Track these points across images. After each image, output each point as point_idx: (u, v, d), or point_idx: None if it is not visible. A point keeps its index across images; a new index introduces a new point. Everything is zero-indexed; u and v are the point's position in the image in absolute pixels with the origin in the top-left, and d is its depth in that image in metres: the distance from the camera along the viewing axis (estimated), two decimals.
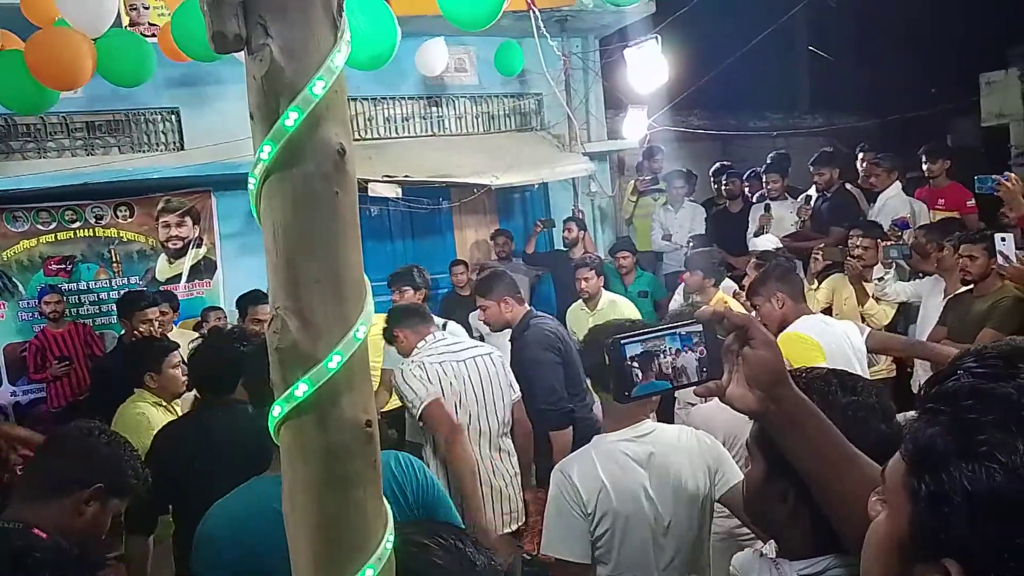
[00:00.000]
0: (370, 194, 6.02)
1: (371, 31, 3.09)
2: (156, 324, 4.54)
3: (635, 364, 1.04)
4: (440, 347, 3.23)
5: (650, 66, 5.92)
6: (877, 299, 4.58)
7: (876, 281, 4.61)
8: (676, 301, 5.09)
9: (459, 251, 7.26)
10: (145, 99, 6.21)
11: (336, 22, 0.76)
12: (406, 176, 6.06)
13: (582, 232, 6.53)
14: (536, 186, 6.80)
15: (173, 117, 6.38)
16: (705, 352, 1.05)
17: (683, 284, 5.00)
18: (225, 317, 5.76)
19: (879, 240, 4.72)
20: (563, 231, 6.50)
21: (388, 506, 0.81)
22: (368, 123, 6.91)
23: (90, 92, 5.97)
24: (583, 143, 7.17)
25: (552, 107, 7.31)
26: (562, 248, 6.76)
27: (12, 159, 6.00)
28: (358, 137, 6.88)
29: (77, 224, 6.19)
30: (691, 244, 5.89)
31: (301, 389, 0.74)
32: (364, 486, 0.77)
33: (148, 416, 3.21)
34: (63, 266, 6.17)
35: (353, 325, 0.76)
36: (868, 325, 4.01)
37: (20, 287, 6.05)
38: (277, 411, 0.76)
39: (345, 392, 0.75)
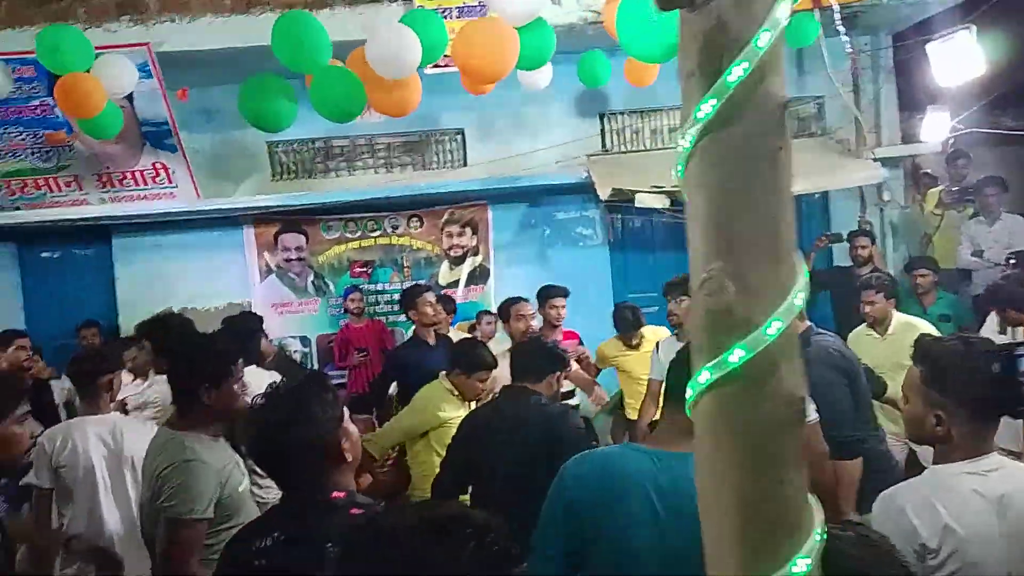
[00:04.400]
0: (637, 205, 6.03)
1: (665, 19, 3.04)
2: (431, 311, 4.88)
3: None
4: None
5: (960, 60, 5.20)
6: None
7: None
8: (989, 330, 4.36)
9: None
10: (436, 122, 6.86)
11: None
12: (674, 186, 5.95)
13: (872, 246, 5.90)
14: (817, 195, 6.30)
15: (459, 137, 6.95)
16: None
17: (992, 313, 4.27)
18: (495, 321, 6.10)
19: None
20: (852, 246, 5.90)
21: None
22: (635, 135, 6.95)
23: (391, 117, 6.76)
24: (872, 148, 6.50)
25: (834, 110, 6.76)
26: (844, 265, 6.17)
27: (328, 177, 6.96)
28: (624, 149, 6.95)
29: (377, 233, 6.99)
30: (1012, 263, 5.04)
31: (736, 355, 0.70)
32: (793, 467, 0.71)
33: (437, 400, 3.54)
34: (365, 269, 7.01)
35: (790, 289, 0.70)
36: None
37: (331, 287, 6.98)
38: (704, 377, 0.72)
39: (783, 362, 0.70)
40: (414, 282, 6.97)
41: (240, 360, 2.43)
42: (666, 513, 1.68)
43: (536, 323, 4.79)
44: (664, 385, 1.92)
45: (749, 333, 0.70)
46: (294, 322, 6.89)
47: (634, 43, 3.26)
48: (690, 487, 1.61)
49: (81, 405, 3.16)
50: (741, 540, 0.71)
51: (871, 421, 3.35)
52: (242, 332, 3.79)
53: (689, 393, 0.75)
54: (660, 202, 5.90)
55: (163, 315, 3.80)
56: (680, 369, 1.80)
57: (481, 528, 1.08)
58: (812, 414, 3.00)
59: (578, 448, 2.44)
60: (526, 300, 4.75)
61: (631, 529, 1.69)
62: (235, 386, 2.37)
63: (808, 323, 3.58)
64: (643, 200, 5.90)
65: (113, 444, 3.01)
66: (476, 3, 5.48)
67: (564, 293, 4.93)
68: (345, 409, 1.79)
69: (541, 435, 2.76)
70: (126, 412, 4.81)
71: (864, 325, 4.46)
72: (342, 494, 1.68)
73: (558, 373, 3.09)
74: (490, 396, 3.66)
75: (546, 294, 4.96)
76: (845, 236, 6.14)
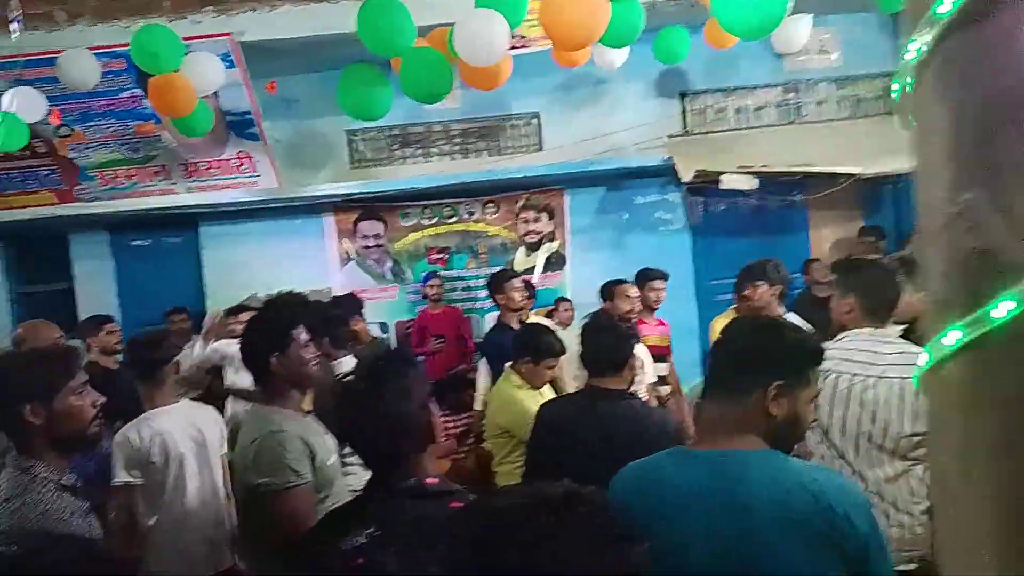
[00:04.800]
0: (722, 187, 5.80)
1: None
2: (519, 297, 4.80)
3: None
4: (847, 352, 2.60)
5: None
6: None
7: None
8: None
9: (814, 250, 6.66)
10: (510, 106, 6.77)
11: None
12: (763, 166, 5.69)
13: None
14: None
15: (534, 121, 6.84)
16: None
17: None
18: (572, 308, 6.00)
19: None
20: None
21: None
22: (718, 115, 6.68)
23: (465, 102, 6.71)
24: None
25: None
26: None
27: (406, 164, 6.97)
28: (708, 130, 6.70)
29: (453, 219, 6.96)
30: None
31: (1003, 308, 0.55)
32: None
33: (515, 394, 3.42)
34: (441, 256, 6.99)
35: None
36: None
37: (408, 273, 7.01)
38: (953, 337, 0.57)
39: None
40: (490, 268, 6.96)
41: (301, 326, 2.40)
42: (724, 525, 1.42)
43: (638, 306, 4.71)
44: (708, 372, 1.64)
45: (1020, 280, 0.55)
46: (373, 308, 6.92)
47: (731, 18, 3.08)
48: (748, 494, 1.41)
49: (143, 391, 3.02)
50: (1002, 537, 0.57)
51: None
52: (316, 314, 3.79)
53: (924, 359, 0.60)
54: (748, 183, 5.66)
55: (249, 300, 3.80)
56: (727, 351, 1.61)
57: (598, 505, 1.02)
58: None
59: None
60: (630, 282, 4.66)
61: (687, 547, 1.43)
62: (300, 351, 2.36)
63: None
64: (729, 181, 5.66)
65: (195, 431, 3.00)
66: None
67: (664, 276, 4.84)
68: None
69: (635, 441, 2.37)
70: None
71: None
72: (435, 480, 1.61)
73: (633, 357, 2.86)
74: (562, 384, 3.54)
75: (645, 276, 4.88)
76: None
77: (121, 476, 2.87)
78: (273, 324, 2.40)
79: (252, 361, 2.39)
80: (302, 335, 2.39)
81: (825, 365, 2.25)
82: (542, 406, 2.94)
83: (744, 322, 2.04)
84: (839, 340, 2.49)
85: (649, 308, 4.86)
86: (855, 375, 2.39)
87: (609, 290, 4.63)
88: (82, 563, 1.38)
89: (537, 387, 3.45)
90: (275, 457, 2.14)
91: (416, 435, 1.64)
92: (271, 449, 2.16)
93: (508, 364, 3.60)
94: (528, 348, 3.41)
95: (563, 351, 3.45)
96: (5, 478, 1.82)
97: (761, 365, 1.52)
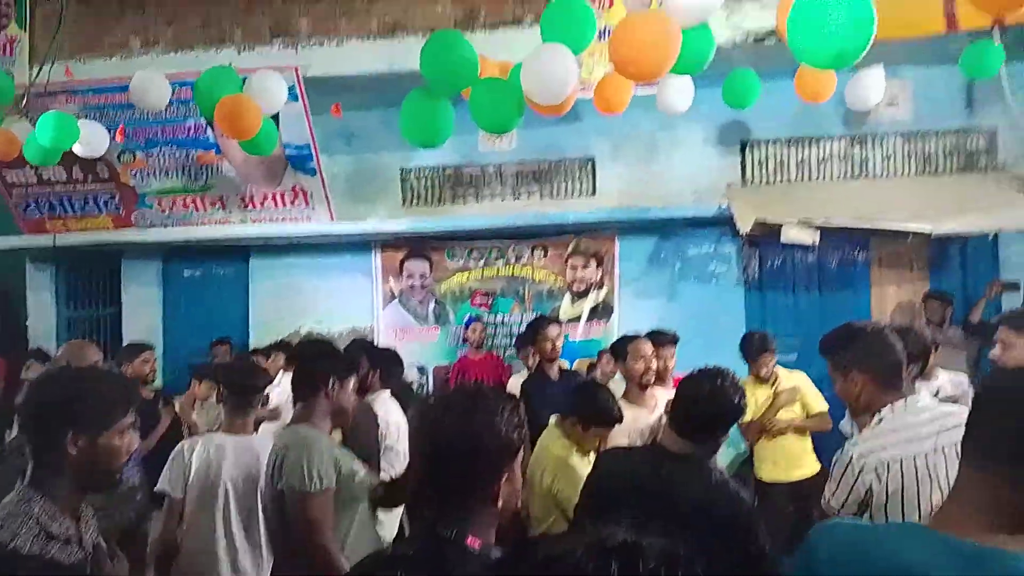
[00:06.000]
0: (782, 240, 5.59)
1: (849, 20, 2.71)
2: (550, 347, 4.57)
3: None
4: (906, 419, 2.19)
5: None
6: None
7: None
8: None
9: (875, 311, 6.35)
10: (566, 150, 6.73)
11: None
12: (826, 219, 5.49)
13: None
14: (991, 235, 5.64)
15: (589, 165, 6.78)
16: None
17: None
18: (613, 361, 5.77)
19: None
20: None
21: None
22: (779, 166, 6.53)
23: (522, 144, 6.70)
24: None
25: (1010, 143, 6.10)
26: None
27: (456, 204, 6.94)
28: (767, 180, 6.55)
29: (500, 262, 6.87)
30: None
31: None
32: None
33: (568, 457, 3.15)
34: (486, 299, 6.87)
35: None
36: None
37: (451, 315, 6.89)
38: None
39: None
40: (535, 315, 6.81)
41: (363, 364, 2.72)
42: None
43: (655, 365, 4.26)
44: (970, 435, 1.24)
45: None
46: (413, 350, 6.81)
47: (807, 46, 2.95)
48: None
49: (226, 418, 3.02)
50: None
51: None
52: (381, 354, 3.96)
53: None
54: (809, 236, 5.44)
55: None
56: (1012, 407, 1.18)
57: (665, 556, 0.86)
58: None
59: (752, 533, 2.00)
60: (644, 338, 4.18)
61: None
62: (351, 387, 2.57)
63: None
64: (790, 234, 5.45)
65: (247, 469, 2.89)
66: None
67: (674, 340, 4.28)
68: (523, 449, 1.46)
69: (706, 515, 2.09)
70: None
71: None
72: (478, 542, 1.36)
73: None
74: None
75: (653, 340, 4.46)
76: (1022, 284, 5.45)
77: (163, 485, 2.86)
78: (343, 357, 2.62)
79: (308, 385, 2.51)
80: (359, 375, 2.65)
81: (885, 455, 2.02)
82: (603, 461, 2.59)
83: None
84: (878, 425, 2.15)
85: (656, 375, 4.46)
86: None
87: (621, 348, 3.91)
88: None
89: (585, 453, 3.16)
90: (298, 462, 2.26)
91: (486, 487, 1.40)
92: (297, 454, 2.28)
93: (554, 417, 3.35)
94: (582, 409, 3.11)
95: (620, 419, 3.15)
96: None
97: None
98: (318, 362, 2.51)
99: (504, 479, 1.39)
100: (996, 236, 6.12)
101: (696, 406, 2.28)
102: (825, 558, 1.26)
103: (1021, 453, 1.14)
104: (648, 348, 3.78)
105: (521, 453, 1.44)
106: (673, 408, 2.38)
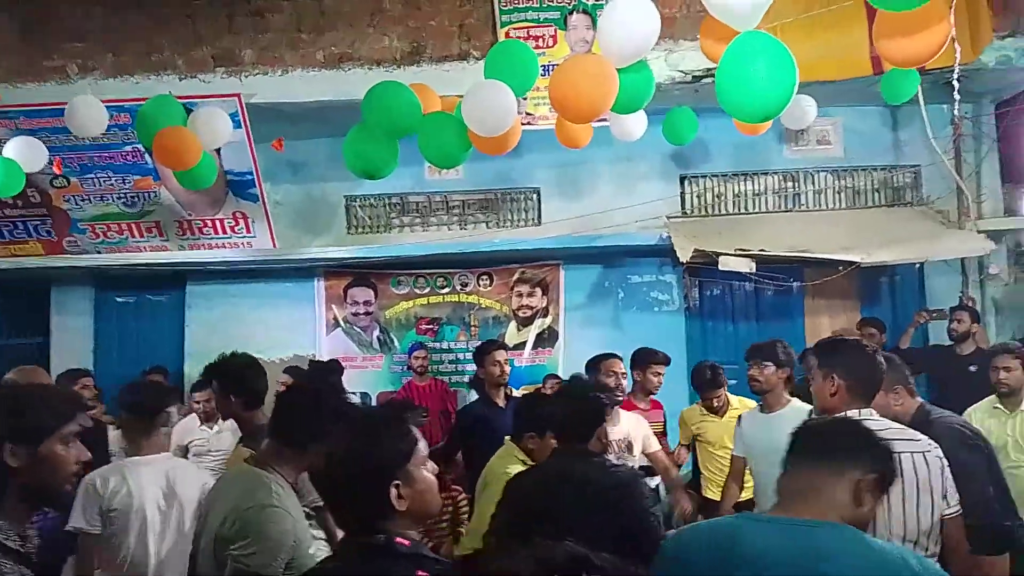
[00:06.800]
0: (720, 268, 5.77)
1: (770, 76, 2.83)
2: (498, 371, 4.59)
3: None
4: None
5: None
6: None
7: None
8: None
9: (809, 338, 6.56)
10: (513, 180, 6.80)
11: None
12: (761, 250, 5.68)
13: (975, 324, 5.46)
14: (917, 266, 5.93)
15: (535, 196, 6.86)
16: None
17: None
18: (560, 385, 5.83)
19: None
20: (950, 321, 5.50)
21: None
22: (717, 199, 6.74)
23: (469, 174, 6.74)
24: (974, 220, 6.13)
25: (933, 179, 6.43)
26: (943, 344, 5.72)
27: (403, 232, 6.93)
28: (705, 212, 6.74)
29: (446, 290, 6.87)
30: None
31: None
32: None
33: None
34: (431, 326, 6.86)
35: None
36: None
37: (396, 343, 6.85)
38: None
39: None
40: (480, 341, 6.82)
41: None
42: None
43: (626, 383, 4.49)
44: (792, 440, 1.71)
45: None
46: (357, 377, 6.72)
47: (735, 102, 3.07)
48: (833, 566, 1.40)
49: (129, 443, 2.91)
50: None
51: (1014, 508, 2.91)
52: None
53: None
54: (746, 266, 5.63)
55: (230, 356, 3.64)
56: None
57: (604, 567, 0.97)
58: (955, 505, 2.58)
59: (649, 519, 2.16)
60: (619, 357, 4.44)
61: None
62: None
63: (919, 400, 3.20)
64: (728, 263, 5.63)
65: (167, 488, 2.80)
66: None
67: (667, 361, 4.60)
68: (423, 453, 1.58)
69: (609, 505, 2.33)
70: (186, 457, 4.71)
71: (988, 403, 4.05)
72: (406, 542, 1.51)
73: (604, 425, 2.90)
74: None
75: (647, 359, 4.61)
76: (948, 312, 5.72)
77: (77, 522, 2.67)
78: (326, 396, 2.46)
79: (288, 422, 2.32)
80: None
81: None
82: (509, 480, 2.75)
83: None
84: None
85: (646, 391, 4.67)
86: None
87: (595, 365, 4.35)
88: None
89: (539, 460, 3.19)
90: (266, 536, 2.05)
91: (385, 495, 1.50)
92: (267, 525, 2.06)
93: (508, 438, 3.38)
94: (531, 422, 3.21)
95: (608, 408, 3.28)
96: None
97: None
98: (298, 399, 2.43)
99: (399, 486, 1.50)
100: (922, 266, 6.44)
101: (566, 411, 2.92)
102: (671, 555, 1.53)
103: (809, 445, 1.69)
104: (620, 366, 4.27)
105: (420, 457, 1.57)
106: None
